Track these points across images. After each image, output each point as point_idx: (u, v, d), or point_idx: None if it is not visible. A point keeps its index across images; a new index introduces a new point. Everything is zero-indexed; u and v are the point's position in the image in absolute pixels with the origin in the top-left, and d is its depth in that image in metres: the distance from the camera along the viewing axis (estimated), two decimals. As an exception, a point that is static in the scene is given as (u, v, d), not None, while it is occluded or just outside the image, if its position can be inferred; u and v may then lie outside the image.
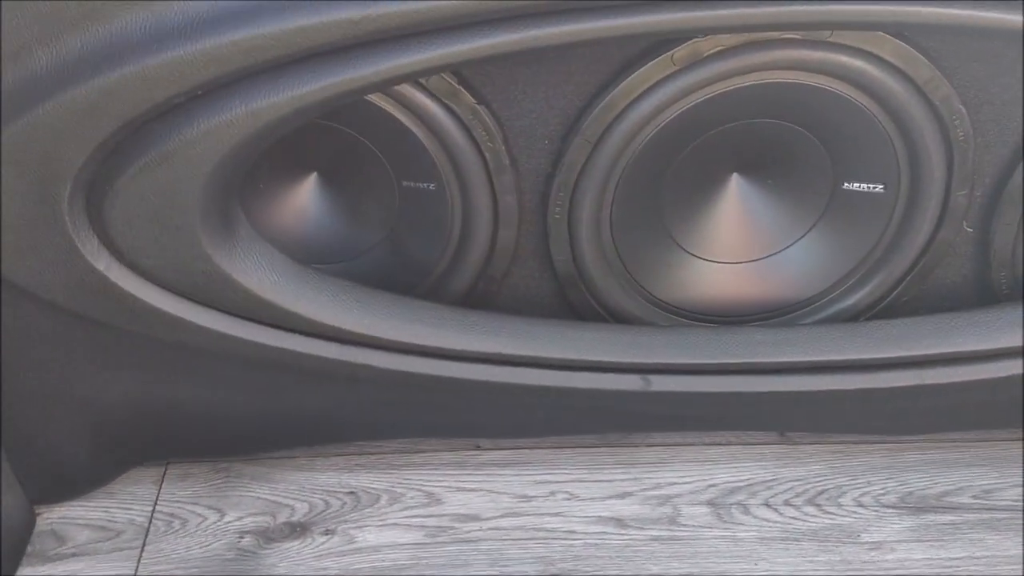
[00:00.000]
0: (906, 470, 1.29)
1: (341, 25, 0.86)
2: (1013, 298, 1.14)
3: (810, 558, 1.19)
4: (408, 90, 1.00)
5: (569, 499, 1.25)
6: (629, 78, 0.99)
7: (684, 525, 1.23)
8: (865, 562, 1.19)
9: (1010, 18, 0.90)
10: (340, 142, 1.09)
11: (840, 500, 1.26)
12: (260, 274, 1.02)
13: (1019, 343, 1.09)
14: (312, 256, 1.15)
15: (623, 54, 1.00)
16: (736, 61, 0.98)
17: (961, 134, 1.03)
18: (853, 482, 1.27)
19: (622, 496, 1.26)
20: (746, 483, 1.27)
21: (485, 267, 1.12)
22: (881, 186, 1.10)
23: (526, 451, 1.31)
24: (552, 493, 1.26)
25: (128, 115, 0.89)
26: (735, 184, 1.14)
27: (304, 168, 1.12)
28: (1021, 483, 1.27)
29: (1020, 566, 1.18)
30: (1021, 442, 1.32)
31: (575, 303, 1.16)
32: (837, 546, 1.21)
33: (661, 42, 0.98)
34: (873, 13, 0.90)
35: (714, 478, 1.28)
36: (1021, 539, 1.20)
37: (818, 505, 1.25)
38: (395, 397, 1.14)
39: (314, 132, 1.06)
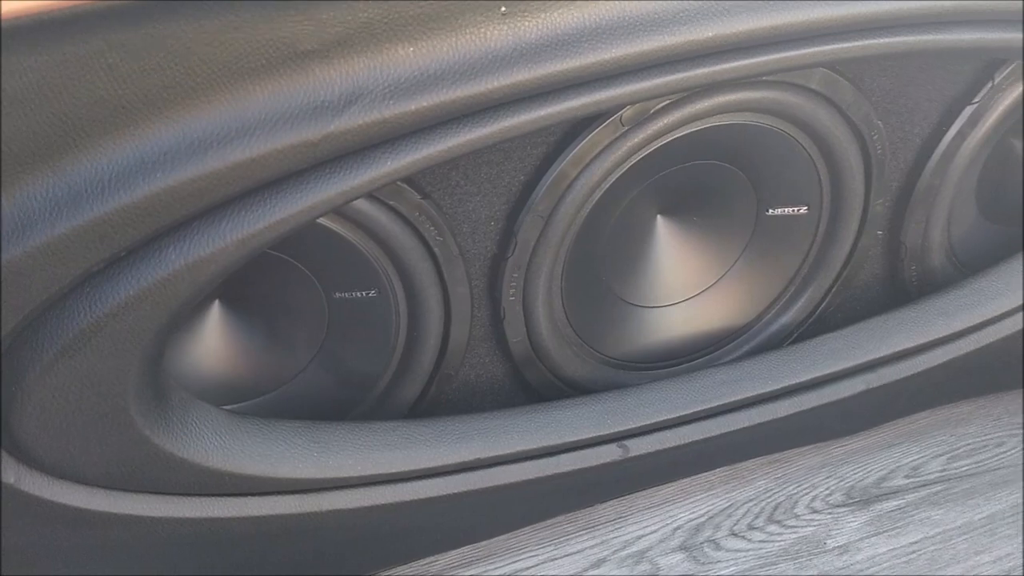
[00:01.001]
0: (839, 464, 1.33)
1: (297, 149, 0.73)
2: (923, 291, 1.20)
3: (788, 579, 1.20)
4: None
5: (546, 582, 1.19)
6: (579, 145, 0.93)
7: (666, 577, 1.20)
8: (840, 568, 1.22)
9: (927, 38, 0.93)
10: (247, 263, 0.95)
11: (795, 511, 1.28)
12: (203, 442, 0.87)
13: (947, 332, 1.14)
14: (232, 395, 1.00)
15: (563, 126, 0.93)
16: (679, 113, 0.95)
17: (879, 148, 1.07)
18: (799, 489, 1.30)
19: (597, 565, 1.21)
20: (706, 516, 1.26)
21: (437, 368, 1.02)
22: (805, 207, 1.11)
23: (482, 544, 1.22)
24: (523, 580, 1.18)
25: (36, 298, 0.72)
26: (661, 227, 1.11)
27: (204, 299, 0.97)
28: (939, 454, 1.35)
29: (969, 535, 1.25)
30: (923, 415, 1.40)
31: (532, 381, 1.09)
32: (810, 559, 1.22)
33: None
34: (799, 58, 0.90)
35: (676, 520, 1.26)
36: (962, 509, 1.27)
37: (778, 521, 1.26)
38: (360, 536, 1.01)
39: None
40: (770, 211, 1.12)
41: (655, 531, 1.25)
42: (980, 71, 1.08)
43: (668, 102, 0.95)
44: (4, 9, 0.62)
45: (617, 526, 1.25)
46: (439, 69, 0.75)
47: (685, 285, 1.15)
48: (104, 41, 0.66)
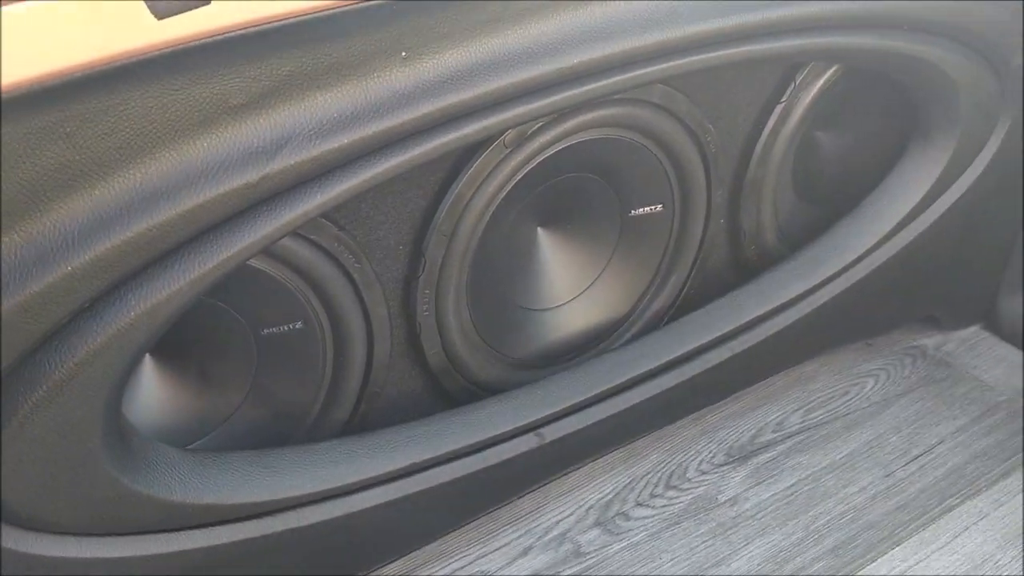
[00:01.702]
0: (716, 431, 1.50)
1: (238, 192, 0.83)
2: (763, 268, 1.39)
3: (693, 532, 1.35)
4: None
5: (483, 576, 1.29)
6: (471, 168, 1.06)
7: (589, 553, 1.32)
8: (734, 518, 1.38)
9: (738, 50, 1.11)
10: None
11: (687, 475, 1.43)
12: (165, 478, 0.93)
13: (786, 298, 1.34)
14: (173, 441, 1.06)
15: (455, 153, 1.06)
16: (551, 133, 1.10)
17: (712, 148, 1.25)
18: (687, 456, 1.46)
19: (525, 552, 1.32)
20: (613, 493, 1.40)
21: (364, 387, 1.12)
22: (660, 205, 1.28)
23: (415, 554, 1.31)
24: (461, 578, 1.28)
25: (11, 355, 0.78)
26: (543, 237, 1.25)
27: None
28: (797, 408, 1.54)
29: (834, 472, 1.44)
30: (777, 378, 1.59)
31: (450, 389, 1.19)
32: (707, 514, 1.38)
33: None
34: (641, 76, 1.06)
35: (587, 501, 1.39)
36: (824, 452, 1.46)
37: (674, 487, 1.42)
38: (316, 551, 1.09)
39: None
40: (632, 212, 1.28)
41: (571, 514, 1.37)
42: (784, 74, 1.28)
43: (541, 124, 1.09)
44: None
45: (536, 516, 1.37)
46: (354, 110, 0.86)
47: (570, 286, 1.29)
48: (62, 112, 0.74)
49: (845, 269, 1.37)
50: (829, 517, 1.38)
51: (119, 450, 0.89)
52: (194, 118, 0.80)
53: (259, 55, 0.80)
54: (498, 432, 1.15)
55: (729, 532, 1.36)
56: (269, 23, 0.79)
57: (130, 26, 0.74)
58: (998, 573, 1.30)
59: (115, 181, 0.78)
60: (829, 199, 1.47)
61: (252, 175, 0.82)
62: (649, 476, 1.43)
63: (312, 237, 1.00)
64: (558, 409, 1.19)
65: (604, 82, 0.99)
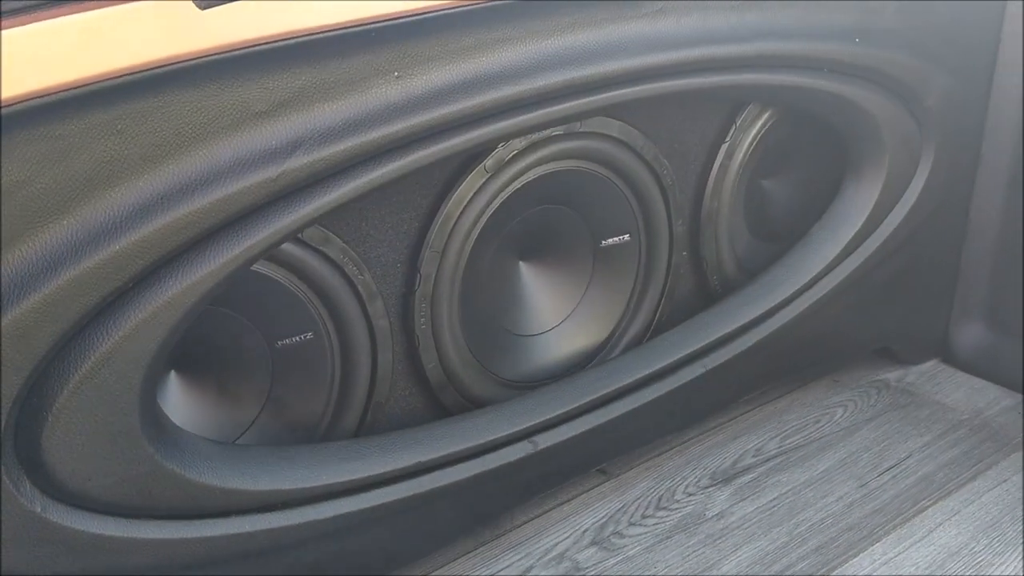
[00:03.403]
0: (700, 459, 1.60)
1: (260, 186, 0.96)
2: (726, 295, 1.53)
3: (684, 543, 1.43)
4: (287, 247, 1.10)
5: (486, 596, 1.35)
6: (458, 190, 1.21)
7: (588, 568, 1.39)
8: (721, 529, 1.45)
9: (685, 82, 1.28)
10: (198, 325, 1.12)
11: (675, 497, 1.52)
12: (196, 460, 1.02)
13: (747, 319, 1.47)
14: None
15: (444, 174, 1.21)
16: (524, 161, 1.25)
17: (669, 180, 1.40)
18: (673, 482, 1.55)
19: (527, 571, 1.39)
20: (606, 517, 1.48)
21: (370, 398, 1.22)
22: (627, 235, 1.42)
23: (419, 573, 1.37)
24: (466, 600, 1.34)
25: (61, 330, 0.89)
26: (524, 270, 1.39)
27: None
28: (773, 436, 1.64)
29: (812, 486, 1.53)
30: (753, 412, 1.70)
31: (447, 405, 1.30)
32: (697, 527, 1.46)
33: (472, 158, 1.21)
34: (593, 102, 1.22)
35: (582, 525, 1.47)
36: (802, 470, 1.56)
37: (664, 507, 1.50)
38: (331, 552, 1.16)
39: None
40: (603, 243, 1.42)
41: (568, 536, 1.45)
42: (726, 117, 1.46)
43: (516, 152, 1.24)
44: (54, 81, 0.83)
45: (535, 541, 1.44)
46: (355, 119, 1.01)
47: (552, 314, 1.42)
48: (117, 110, 0.88)
49: (799, 292, 1.51)
50: (810, 523, 1.46)
51: (155, 429, 0.99)
52: (223, 121, 0.94)
53: (277, 69, 0.96)
54: (494, 437, 1.24)
55: (718, 541, 1.43)
56: (284, 39, 0.95)
57: (174, 33, 0.89)
58: (974, 560, 1.38)
59: (157, 173, 0.92)
60: (780, 237, 1.62)
61: (271, 171, 0.96)
62: (640, 500, 1.51)
63: (322, 249, 1.13)
64: (549, 417, 1.29)
65: (566, 104, 1.15)
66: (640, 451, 1.60)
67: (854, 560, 1.39)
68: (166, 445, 1.00)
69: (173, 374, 1.15)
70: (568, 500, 1.52)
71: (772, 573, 1.37)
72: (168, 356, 1.08)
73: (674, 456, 1.61)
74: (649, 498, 1.52)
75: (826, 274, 1.53)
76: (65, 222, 0.88)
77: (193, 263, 0.95)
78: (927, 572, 1.36)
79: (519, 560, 1.41)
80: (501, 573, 1.38)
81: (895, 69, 1.43)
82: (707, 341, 1.43)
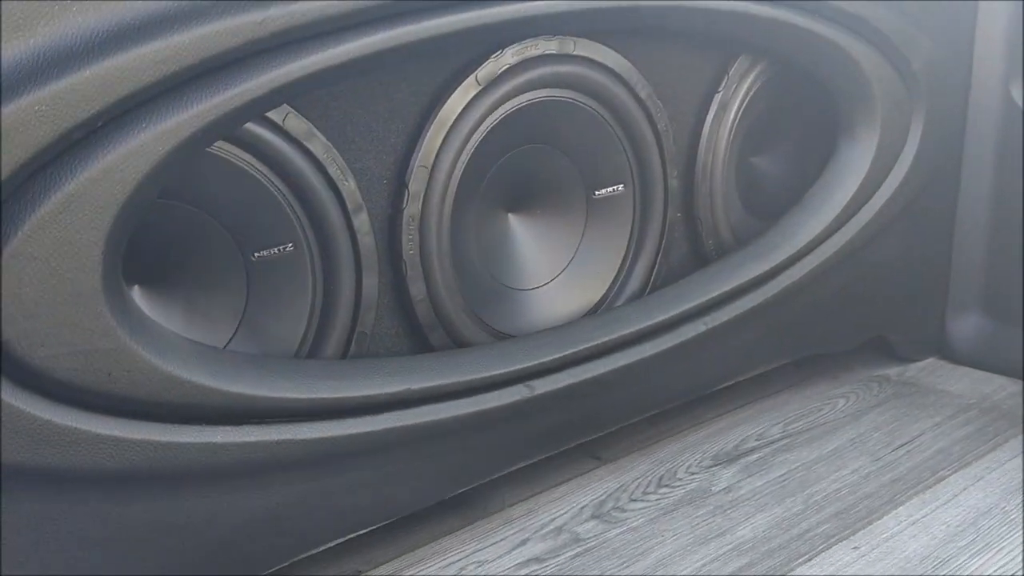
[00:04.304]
0: (699, 444, 1.49)
1: (246, 26, 0.89)
2: (719, 257, 1.47)
3: (692, 515, 1.31)
4: (265, 136, 1.02)
5: (479, 565, 1.21)
6: (448, 101, 1.14)
7: (588, 539, 1.26)
8: (731, 501, 1.34)
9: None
10: (163, 230, 1.02)
11: (677, 476, 1.40)
12: (166, 349, 0.91)
13: (746, 279, 1.40)
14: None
15: (433, 86, 1.15)
16: (518, 77, 1.19)
17: (662, 124, 1.35)
18: (674, 464, 1.44)
19: (523, 543, 1.26)
20: (604, 495, 1.36)
21: (354, 325, 1.11)
22: (621, 185, 1.36)
23: (411, 552, 1.24)
24: (461, 570, 1.20)
25: (18, 160, 0.79)
26: (514, 223, 1.32)
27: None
28: (775, 423, 1.55)
29: (824, 462, 1.43)
30: (751, 404, 1.61)
31: (436, 347, 1.19)
32: (703, 500, 1.34)
33: (461, 69, 1.15)
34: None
35: (579, 503, 1.34)
36: (810, 450, 1.46)
37: (666, 485, 1.38)
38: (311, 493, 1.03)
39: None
40: (596, 194, 1.36)
41: (564, 512, 1.32)
42: (719, 66, 1.42)
43: (508, 67, 1.19)
44: None
45: (530, 517, 1.31)
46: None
47: (545, 269, 1.33)
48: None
49: (796, 257, 1.45)
50: (825, 493, 1.35)
51: (119, 302, 0.87)
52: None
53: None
54: (488, 374, 1.14)
55: (728, 511, 1.31)
56: None
57: None
58: (1006, 517, 1.28)
59: (135, 2, 0.84)
60: (773, 212, 1.57)
61: (256, 15, 0.89)
62: (639, 480, 1.40)
63: (305, 144, 1.04)
64: (545, 361, 1.19)
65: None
66: (635, 437, 1.50)
67: (878, 522, 1.28)
68: (131, 323, 0.88)
69: (137, 289, 1.04)
70: (561, 483, 1.39)
71: (792, 535, 1.25)
72: (130, 263, 0.98)
73: (671, 442, 1.50)
74: (649, 478, 1.40)
75: (823, 240, 1.48)
76: (30, 41, 0.79)
77: (168, 107, 0.86)
78: (959, 529, 1.25)
79: (513, 534, 1.27)
80: (494, 545, 1.25)
81: (881, 22, 1.42)
82: (706, 298, 1.35)
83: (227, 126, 0.91)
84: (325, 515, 1.06)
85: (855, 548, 1.23)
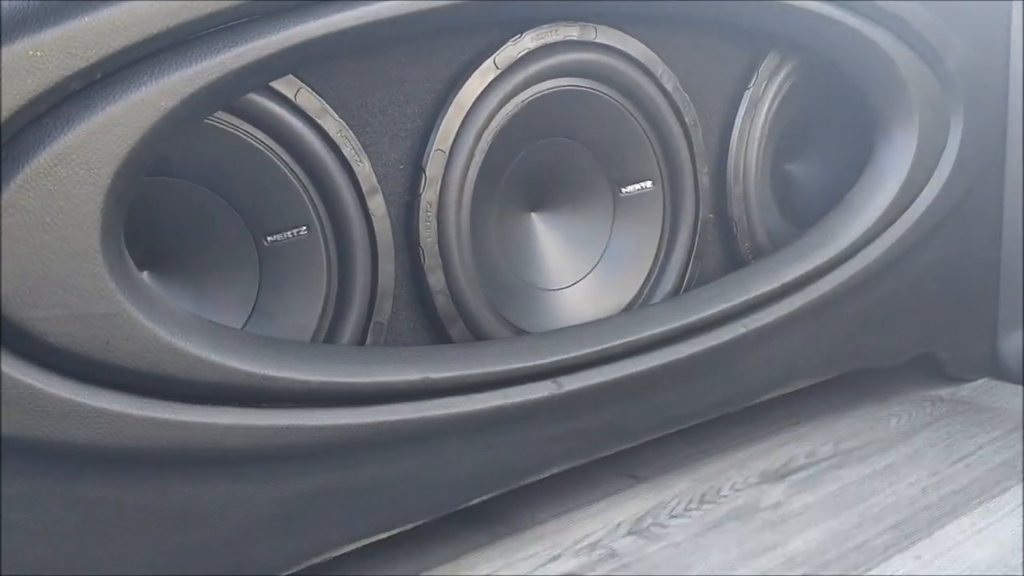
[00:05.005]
0: (743, 464, 1.40)
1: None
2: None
3: (739, 530, 1.21)
4: (277, 111, 0.98)
5: (510, 581, 1.12)
6: (466, 83, 1.10)
7: (624, 554, 1.17)
8: (781, 516, 1.25)
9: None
10: (173, 212, 0.98)
11: (721, 493, 1.31)
12: (167, 318, 0.85)
13: (788, 279, 1.33)
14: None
15: (450, 70, 1.11)
16: (538, 63, 1.15)
17: (689, 118, 1.30)
18: (717, 481, 1.35)
19: (555, 559, 1.17)
20: (643, 512, 1.27)
21: (370, 315, 1.05)
22: (649, 182, 1.30)
23: (435, 568, 1.15)
24: (491, 585, 1.12)
25: (8, 108, 0.75)
26: (538, 223, 1.26)
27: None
28: (825, 442, 1.46)
29: (880, 475, 1.34)
30: (800, 424, 1.52)
31: (457, 342, 1.13)
32: (751, 516, 1.25)
33: (480, 53, 1.12)
34: None
35: (615, 519, 1.26)
36: (863, 466, 1.37)
37: (710, 501, 1.29)
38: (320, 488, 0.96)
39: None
40: (623, 191, 1.30)
41: (599, 529, 1.23)
42: (748, 62, 1.38)
43: (528, 51, 1.15)
44: None
45: (562, 533, 1.23)
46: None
47: (572, 270, 1.27)
48: None
49: (839, 260, 1.38)
50: (883, 506, 1.26)
51: (119, 265, 0.82)
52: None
53: None
54: (513, 366, 1.07)
55: (779, 526, 1.22)
56: None
57: None
58: (1084, 525, 1.17)
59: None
60: (810, 220, 1.50)
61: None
62: (679, 497, 1.31)
63: (318, 121, 1.00)
64: (574, 355, 1.12)
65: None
66: (673, 456, 1.41)
67: (940, 532, 1.18)
68: (133, 289, 0.83)
69: (145, 275, 0.99)
70: (595, 501, 1.31)
71: (849, 547, 1.15)
72: (138, 247, 0.93)
73: (712, 460, 1.41)
74: (690, 495, 1.31)
75: (866, 243, 1.41)
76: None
77: (170, 62, 0.83)
78: (1031, 536, 1.14)
79: (544, 550, 1.19)
80: (524, 561, 1.16)
81: (915, 20, 1.38)
82: (745, 298, 1.28)
83: (231, 89, 0.88)
84: (339, 515, 0.98)
85: (917, 558, 1.12)
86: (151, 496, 0.86)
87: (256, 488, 0.92)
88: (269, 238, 1.02)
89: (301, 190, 1.02)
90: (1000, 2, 1.53)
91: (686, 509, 1.27)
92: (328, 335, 1.05)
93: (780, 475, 1.35)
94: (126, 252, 0.86)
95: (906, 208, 1.45)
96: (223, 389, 0.88)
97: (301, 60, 0.94)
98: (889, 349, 1.55)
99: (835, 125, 1.52)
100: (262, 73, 0.90)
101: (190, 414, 0.86)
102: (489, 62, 1.12)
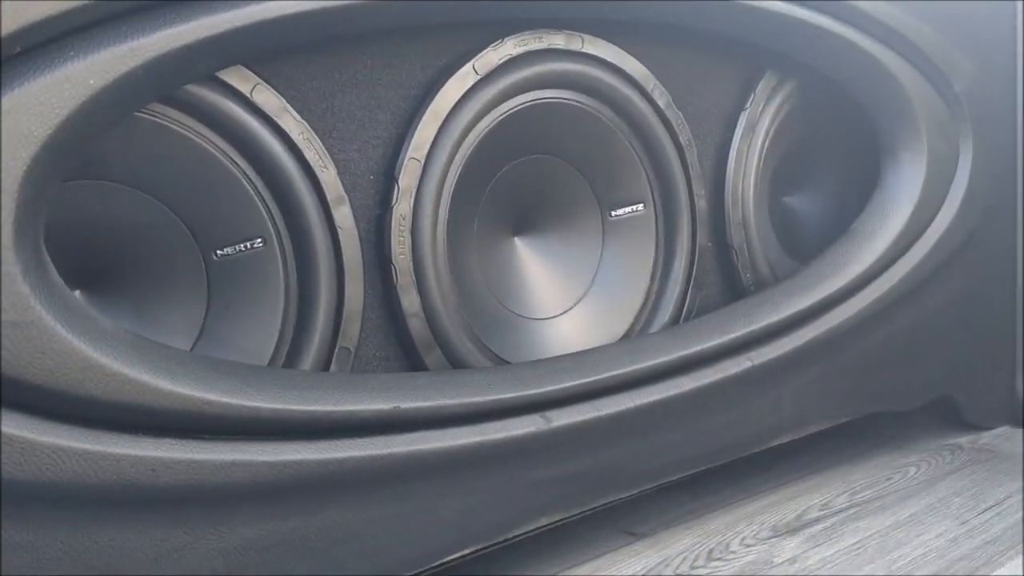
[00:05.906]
0: (753, 517, 1.27)
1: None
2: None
3: (754, 589, 1.08)
4: (229, 109, 0.88)
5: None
6: (443, 89, 1.00)
7: (626, 614, 1.03)
8: (798, 571, 1.12)
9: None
10: (108, 221, 0.87)
11: (730, 549, 1.18)
12: (93, 332, 0.73)
13: (795, 310, 1.22)
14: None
15: (426, 76, 1.01)
16: (520, 71, 1.06)
17: (684, 139, 1.21)
18: (725, 536, 1.22)
19: (544, 620, 1.03)
20: (644, 572, 1.15)
21: (335, 338, 0.93)
22: (640, 205, 1.20)
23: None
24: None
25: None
26: (521, 248, 1.16)
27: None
28: (841, 492, 1.33)
29: (902, 528, 1.21)
30: (812, 476, 1.40)
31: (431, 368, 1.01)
32: (766, 572, 1.12)
33: (458, 58, 1.02)
34: None
35: (613, 577, 1.12)
36: (884, 517, 1.24)
37: (718, 558, 1.16)
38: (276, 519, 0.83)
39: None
40: (613, 214, 1.20)
41: (601, 590, 1.10)
42: (745, 83, 1.29)
43: (509, 58, 1.06)
44: None
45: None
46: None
47: (559, 298, 1.16)
48: None
49: (849, 291, 1.28)
50: (911, 558, 1.13)
51: (37, 268, 0.71)
52: None
53: None
54: (496, 398, 0.95)
55: (795, 580, 1.09)
56: None
57: None
58: None
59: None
60: (813, 253, 1.41)
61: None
62: (685, 554, 1.18)
63: (276, 120, 0.90)
64: (564, 386, 1.00)
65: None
66: (675, 510, 1.28)
67: (983, 582, 1.05)
68: (50, 295, 0.71)
69: (78, 294, 0.87)
70: (589, 560, 1.17)
71: (878, 603, 1.02)
72: (70, 262, 0.82)
73: (719, 514, 1.28)
74: (697, 552, 1.18)
75: (877, 274, 1.31)
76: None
77: (99, 41, 0.72)
78: (1082, 587, 1.01)
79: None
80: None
81: (921, 40, 1.30)
82: (751, 329, 1.17)
83: (172, 73, 0.78)
84: (294, 571, 0.84)
85: (959, 614, 0.99)
86: (66, 542, 0.73)
87: (195, 537, 0.79)
88: (219, 252, 0.91)
89: (256, 197, 0.91)
90: (1007, 24, 1.47)
91: (692, 567, 1.14)
92: (287, 362, 0.93)
93: (794, 528, 1.23)
94: (45, 254, 0.74)
95: (919, 235, 1.35)
96: (156, 416, 0.75)
97: (252, 47, 0.84)
98: (904, 390, 1.43)
99: (838, 152, 1.44)
100: (207, 58, 0.80)
101: (116, 444, 0.74)
102: (468, 67, 1.03)
